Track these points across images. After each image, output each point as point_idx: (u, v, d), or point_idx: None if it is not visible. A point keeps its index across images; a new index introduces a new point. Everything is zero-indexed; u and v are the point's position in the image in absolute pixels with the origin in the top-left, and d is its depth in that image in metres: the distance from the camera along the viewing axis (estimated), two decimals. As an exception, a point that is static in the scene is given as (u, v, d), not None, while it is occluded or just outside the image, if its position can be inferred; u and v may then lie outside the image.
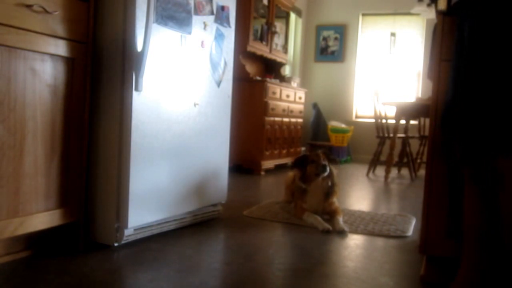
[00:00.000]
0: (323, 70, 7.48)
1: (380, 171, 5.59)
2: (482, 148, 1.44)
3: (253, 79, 5.22)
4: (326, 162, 2.81)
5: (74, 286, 1.64)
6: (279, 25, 6.06)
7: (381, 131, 5.38)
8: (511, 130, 1.36)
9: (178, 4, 2.23)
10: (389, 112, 5.61)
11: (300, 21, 7.28)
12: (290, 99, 5.71)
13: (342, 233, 2.54)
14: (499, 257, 1.47)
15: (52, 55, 1.83)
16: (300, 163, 2.90)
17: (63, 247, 2.02)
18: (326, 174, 2.81)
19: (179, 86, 2.32)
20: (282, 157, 5.60)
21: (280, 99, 5.43)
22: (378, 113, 5.34)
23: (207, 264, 1.96)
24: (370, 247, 2.34)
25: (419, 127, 5.62)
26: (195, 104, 2.44)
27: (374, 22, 7.25)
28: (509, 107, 1.36)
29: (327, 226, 2.59)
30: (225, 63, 2.68)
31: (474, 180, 1.51)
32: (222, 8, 2.61)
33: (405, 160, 5.40)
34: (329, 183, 2.85)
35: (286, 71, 6.80)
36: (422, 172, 5.43)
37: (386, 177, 5.04)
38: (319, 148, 6.68)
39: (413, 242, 2.42)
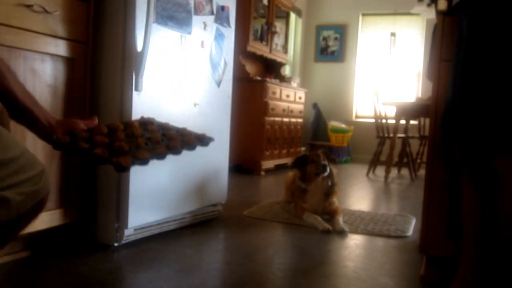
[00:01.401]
0: (323, 70, 7.48)
1: (380, 171, 5.59)
2: (481, 148, 1.44)
3: (253, 79, 5.22)
4: (326, 162, 2.81)
5: (74, 286, 1.64)
6: (279, 25, 6.06)
7: (381, 131, 5.38)
8: (510, 130, 1.36)
9: (178, 4, 2.23)
10: (389, 112, 5.61)
11: (300, 21, 7.28)
12: (290, 99, 5.71)
13: (342, 233, 2.54)
14: (498, 258, 1.47)
15: (52, 55, 1.83)
16: (300, 163, 2.90)
17: (63, 247, 2.02)
18: (326, 174, 2.81)
19: (179, 86, 2.32)
20: (282, 157, 5.60)
21: (280, 99, 5.43)
22: (378, 113, 5.34)
23: (207, 264, 1.96)
24: (370, 247, 2.34)
25: (419, 127, 5.62)
26: (195, 104, 2.44)
27: (374, 22, 7.25)
28: (508, 108, 1.36)
29: (327, 226, 2.59)
30: (225, 63, 2.68)
31: (474, 180, 1.51)
32: (222, 8, 2.61)
33: (405, 160, 5.39)
34: (329, 183, 2.85)
35: (286, 71, 6.80)
36: (422, 172, 5.42)
37: (386, 177, 5.04)
38: (319, 148, 6.68)
39: (413, 242, 2.42)
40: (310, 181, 2.84)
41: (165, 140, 1.35)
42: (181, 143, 1.36)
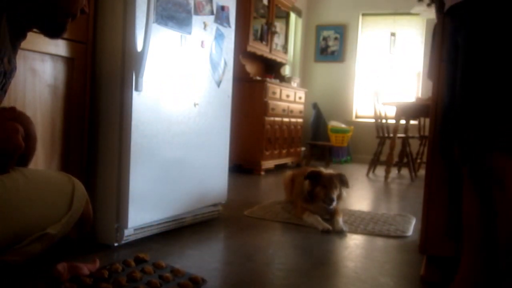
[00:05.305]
0: (323, 70, 7.48)
1: (380, 171, 5.59)
2: (479, 147, 1.44)
3: (253, 79, 5.22)
4: (335, 196, 2.75)
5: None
6: (279, 25, 6.05)
7: (381, 131, 5.38)
8: (507, 128, 1.36)
9: (178, 4, 2.23)
10: (389, 112, 5.60)
11: (300, 21, 7.28)
12: (290, 99, 5.70)
13: (341, 233, 2.54)
14: (498, 257, 1.47)
15: (52, 55, 1.83)
16: (313, 178, 2.82)
17: (64, 247, 2.02)
18: (331, 207, 2.75)
19: (179, 86, 2.32)
20: (282, 157, 5.60)
21: (280, 99, 5.43)
22: (378, 113, 5.34)
23: (207, 264, 1.96)
24: (370, 247, 2.34)
25: (419, 127, 5.62)
26: (195, 104, 2.44)
27: (374, 22, 7.25)
28: (504, 105, 1.36)
29: (327, 226, 2.59)
30: (225, 63, 2.68)
31: (473, 179, 1.51)
32: (222, 8, 2.60)
33: (405, 160, 5.39)
34: (333, 209, 2.80)
35: (286, 71, 6.80)
36: (422, 172, 5.42)
37: (386, 177, 5.04)
38: (319, 148, 6.67)
39: (413, 242, 2.42)
40: (314, 201, 2.80)
41: (164, 285, 1.57)
42: None
